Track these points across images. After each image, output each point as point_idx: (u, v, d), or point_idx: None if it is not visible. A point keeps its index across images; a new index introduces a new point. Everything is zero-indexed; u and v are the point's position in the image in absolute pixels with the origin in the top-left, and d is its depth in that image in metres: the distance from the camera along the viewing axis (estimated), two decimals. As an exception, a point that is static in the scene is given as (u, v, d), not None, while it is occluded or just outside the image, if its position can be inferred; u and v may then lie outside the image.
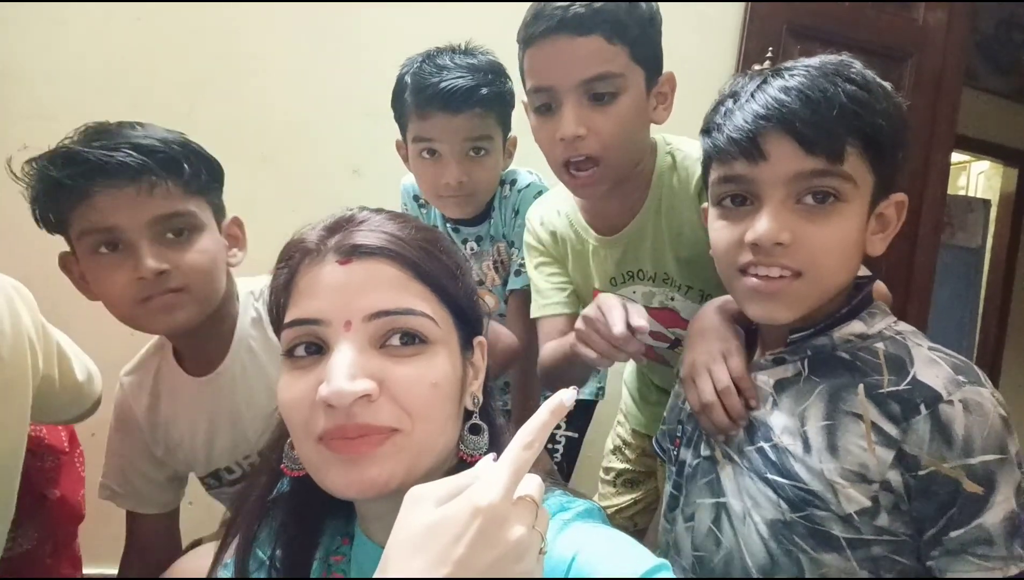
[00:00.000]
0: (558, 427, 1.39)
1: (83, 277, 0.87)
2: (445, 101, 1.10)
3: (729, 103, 0.74)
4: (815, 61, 0.71)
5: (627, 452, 1.34)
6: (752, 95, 0.71)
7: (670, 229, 0.99)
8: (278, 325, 0.58)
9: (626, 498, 1.33)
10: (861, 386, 0.69)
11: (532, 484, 0.44)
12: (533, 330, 1.20)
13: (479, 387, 0.61)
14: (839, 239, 0.69)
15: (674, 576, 0.49)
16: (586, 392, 1.42)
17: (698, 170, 0.92)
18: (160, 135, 0.85)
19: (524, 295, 1.23)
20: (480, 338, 0.63)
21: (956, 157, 4.34)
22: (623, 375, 1.39)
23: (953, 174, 4.60)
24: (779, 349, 0.77)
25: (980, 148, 4.05)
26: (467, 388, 0.60)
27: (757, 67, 1.84)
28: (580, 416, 1.41)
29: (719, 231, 0.75)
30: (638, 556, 0.51)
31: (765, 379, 0.77)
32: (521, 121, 1.20)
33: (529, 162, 1.29)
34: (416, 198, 1.35)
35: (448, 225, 1.32)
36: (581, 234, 1.07)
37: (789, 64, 0.73)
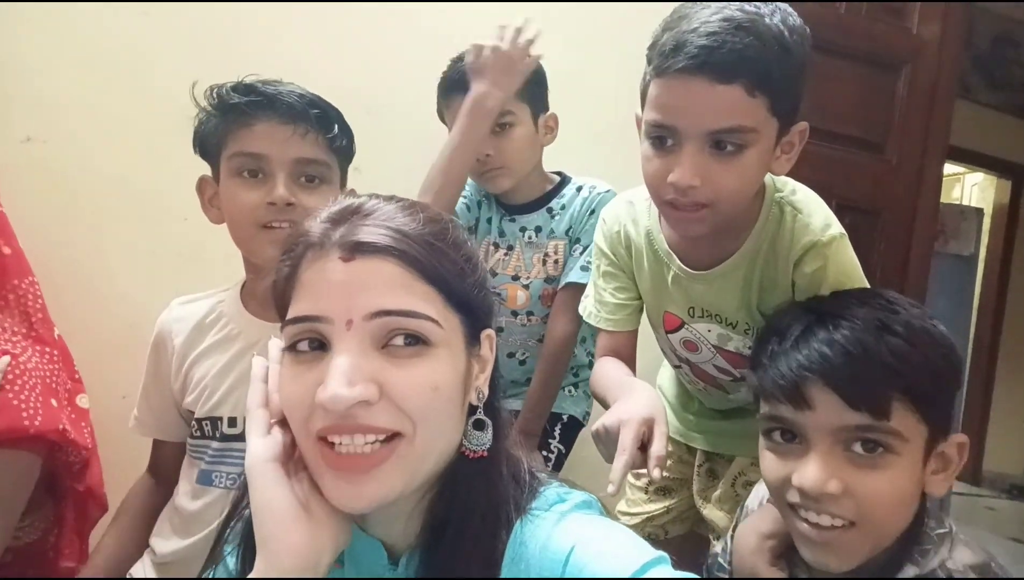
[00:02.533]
0: (552, 438, 1.39)
1: (212, 200, 0.99)
2: (463, 83, 1.21)
3: (775, 344, 0.74)
4: (862, 310, 0.71)
5: None
6: (796, 342, 0.71)
7: (761, 285, 0.93)
8: (282, 318, 0.57)
9: (659, 506, 1.26)
10: None
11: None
12: (574, 323, 1.27)
13: (484, 381, 0.60)
14: (891, 489, 0.68)
15: (671, 570, 0.49)
16: (577, 411, 1.41)
17: (804, 240, 0.88)
18: (320, 97, 0.99)
19: (579, 291, 1.23)
20: (488, 331, 0.61)
21: (951, 169, 4.40)
22: (657, 379, 1.32)
23: (948, 185, 4.65)
24: None
25: (974, 160, 4.11)
26: (471, 383, 0.58)
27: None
28: (570, 433, 1.41)
29: (768, 463, 0.75)
30: (636, 549, 0.51)
31: None
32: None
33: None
34: (471, 202, 1.41)
35: (505, 218, 1.36)
36: (663, 258, 1.00)
37: (834, 308, 0.73)
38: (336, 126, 0.98)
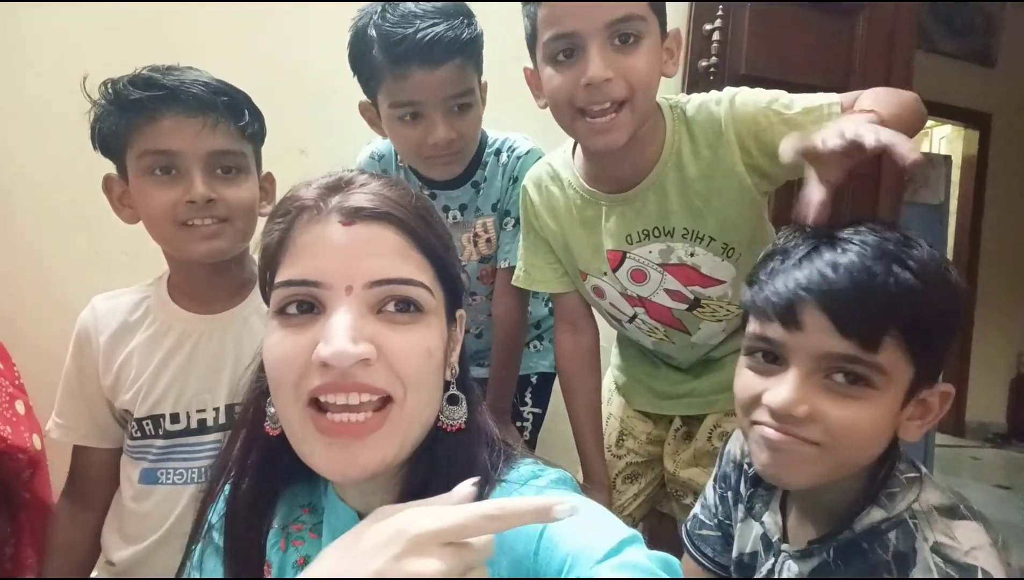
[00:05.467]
0: (524, 405, 1.35)
1: (122, 199, 0.94)
2: (424, 54, 1.00)
3: (777, 262, 0.71)
4: (875, 239, 0.66)
5: (628, 443, 1.25)
6: (800, 261, 0.68)
7: (696, 178, 0.96)
8: (269, 282, 0.57)
9: (626, 495, 1.23)
10: None
11: (480, 541, 0.41)
12: (522, 305, 1.21)
13: (456, 359, 0.62)
14: (862, 423, 0.66)
15: (645, 549, 0.49)
16: (545, 365, 1.36)
17: (719, 112, 0.93)
18: (225, 83, 0.94)
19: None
20: (461, 311, 0.63)
21: (917, 123, 4.41)
22: (611, 359, 1.31)
23: (915, 140, 4.67)
24: (804, 545, 0.74)
25: (940, 111, 4.09)
26: (447, 359, 0.60)
27: (708, 26, 1.84)
28: (543, 391, 1.37)
29: (744, 379, 0.73)
30: (610, 527, 0.51)
31: (797, 570, 0.74)
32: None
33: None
34: (385, 173, 1.28)
35: (426, 192, 1.21)
36: (587, 198, 1.03)
37: (848, 233, 0.68)
38: (247, 112, 0.94)
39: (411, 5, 1.02)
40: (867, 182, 2.04)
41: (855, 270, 0.64)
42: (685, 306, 1.05)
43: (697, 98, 0.98)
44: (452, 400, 0.60)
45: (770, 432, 0.68)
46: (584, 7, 0.85)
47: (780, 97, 0.92)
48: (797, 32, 1.92)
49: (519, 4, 0.94)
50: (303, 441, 0.53)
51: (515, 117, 1.20)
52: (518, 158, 1.19)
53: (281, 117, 1.43)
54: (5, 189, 1.41)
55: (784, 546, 0.76)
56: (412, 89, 1.03)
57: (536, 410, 1.35)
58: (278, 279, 0.55)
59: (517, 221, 1.18)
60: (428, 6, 1.03)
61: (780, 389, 0.67)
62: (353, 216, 0.54)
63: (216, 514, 0.66)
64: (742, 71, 1.90)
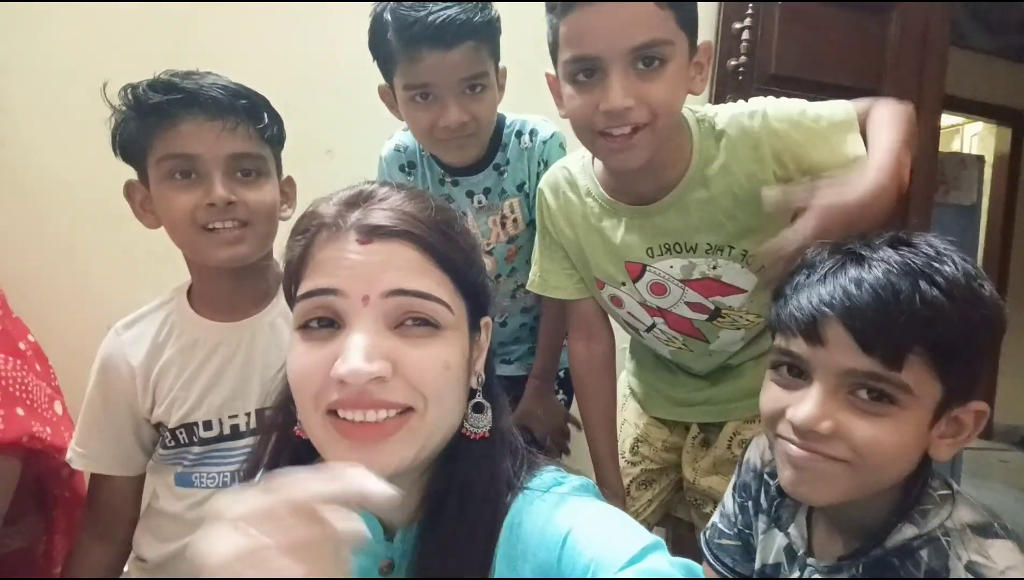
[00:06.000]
0: (557, 392, 1.38)
1: (144, 204, 0.94)
2: (436, 36, 1.01)
3: (802, 277, 0.70)
4: (905, 254, 0.65)
5: (643, 450, 1.24)
6: (824, 277, 0.68)
7: (722, 194, 0.94)
8: (292, 297, 0.58)
9: (640, 501, 1.22)
10: None
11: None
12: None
13: (482, 366, 0.62)
14: (887, 440, 0.65)
15: (668, 555, 0.49)
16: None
17: (753, 126, 0.90)
18: (244, 86, 0.93)
19: None
20: (486, 319, 0.63)
21: (949, 120, 4.32)
22: (626, 364, 1.30)
23: (947, 137, 4.57)
24: (832, 560, 0.73)
25: (972, 108, 4.02)
26: (472, 368, 0.60)
27: (737, 25, 1.81)
28: (571, 382, 1.38)
29: (769, 393, 0.73)
30: (633, 533, 0.51)
31: None
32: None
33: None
34: (402, 168, 1.27)
35: (448, 179, 1.23)
36: (606, 208, 1.01)
37: (876, 248, 0.67)
38: (265, 115, 0.93)
39: None
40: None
41: (880, 287, 0.63)
42: (705, 317, 1.03)
43: (725, 111, 0.95)
44: (477, 408, 0.60)
45: (793, 449, 0.67)
46: (607, 29, 0.81)
47: (806, 109, 0.91)
48: (828, 31, 1.89)
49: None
50: (326, 445, 0.54)
51: (548, 114, 1.20)
52: (544, 143, 1.20)
53: (307, 117, 1.45)
54: (36, 190, 1.44)
55: (810, 560, 0.75)
56: (424, 71, 1.05)
57: (566, 397, 1.40)
58: (299, 292, 0.56)
59: None
60: None
61: (803, 405, 0.66)
62: (371, 234, 0.54)
63: None
64: (772, 70, 1.88)
